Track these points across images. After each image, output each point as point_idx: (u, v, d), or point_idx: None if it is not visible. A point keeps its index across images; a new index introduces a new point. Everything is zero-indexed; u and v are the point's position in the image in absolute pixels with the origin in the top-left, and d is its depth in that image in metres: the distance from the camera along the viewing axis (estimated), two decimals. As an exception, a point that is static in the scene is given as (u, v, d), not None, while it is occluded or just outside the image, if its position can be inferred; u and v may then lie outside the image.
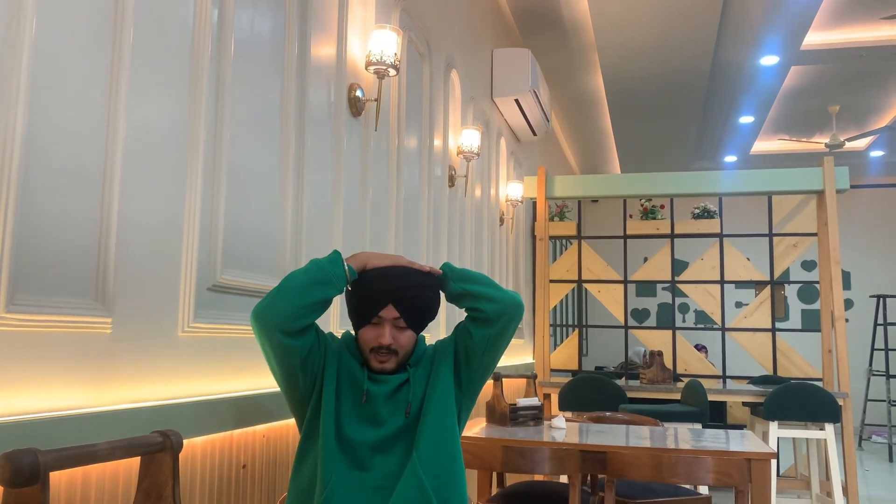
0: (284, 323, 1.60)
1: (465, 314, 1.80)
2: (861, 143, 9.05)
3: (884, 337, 8.70)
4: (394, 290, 1.69)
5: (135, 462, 1.40)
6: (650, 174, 5.28)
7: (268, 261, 2.14)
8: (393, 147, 3.11)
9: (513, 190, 5.27)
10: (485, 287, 1.75)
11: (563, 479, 2.95)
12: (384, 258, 1.74)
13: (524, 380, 4.52)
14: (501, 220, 5.14)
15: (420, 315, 1.73)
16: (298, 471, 1.69)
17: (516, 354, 5.18)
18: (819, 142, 8.18)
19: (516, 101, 5.01)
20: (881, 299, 8.81)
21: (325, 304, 1.66)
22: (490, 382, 3.27)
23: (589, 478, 3.16)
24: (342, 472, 1.62)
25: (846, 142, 7.74)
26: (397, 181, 3.12)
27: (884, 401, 8.88)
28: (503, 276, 5.17)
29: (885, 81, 7.08)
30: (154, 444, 1.34)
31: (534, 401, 3.19)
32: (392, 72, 2.75)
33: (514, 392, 4.86)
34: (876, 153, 9.33)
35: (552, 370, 5.63)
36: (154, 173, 1.67)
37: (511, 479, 3.33)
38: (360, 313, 1.73)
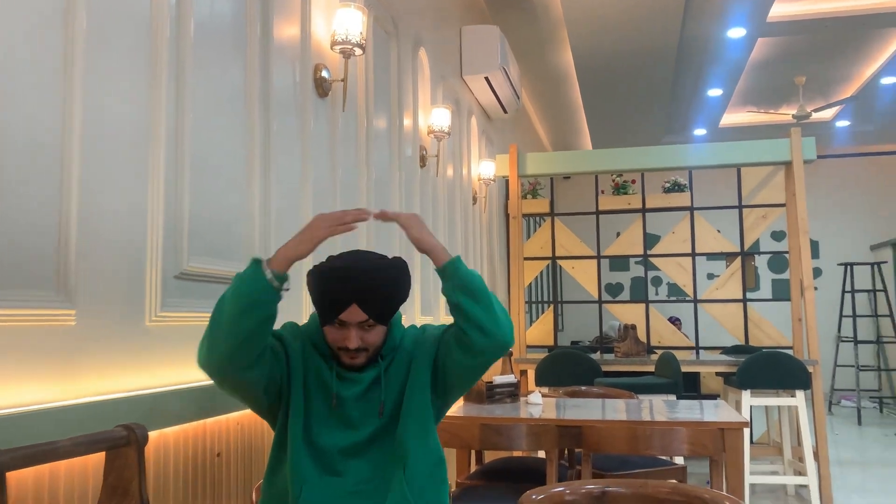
0: (233, 361, 1.48)
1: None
2: (828, 114, 9.14)
3: (851, 304, 8.87)
4: (356, 290, 1.54)
5: (103, 457, 1.37)
6: (621, 149, 5.29)
7: (236, 247, 2.11)
8: (362, 128, 3.07)
9: (485, 168, 5.26)
10: (481, 311, 1.58)
11: (541, 454, 2.98)
12: (304, 241, 1.53)
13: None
14: (474, 200, 5.13)
15: (387, 307, 1.60)
16: (272, 481, 1.62)
17: (492, 332, 5.19)
18: (786, 113, 8.25)
19: (486, 78, 4.97)
20: (848, 267, 8.97)
21: (267, 322, 1.51)
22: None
23: (566, 452, 3.19)
24: (314, 479, 1.55)
25: (813, 113, 7.82)
26: (367, 162, 3.09)
27: (852, 366, 9.07)
28: (477, 255, 5.16)
29: (850, 52, 7.14)
30: (118, 438, 1.32)
31: (510, 378, 3.21)
32: (358, 51, 2.71)
33: (491, 370, 4.88)
34: (842, 123, 9.44)
35: (528, 346, 5.66)
36: (114, 159, 1.63)
37: (490, 457, 3.35)
38: (322, 313, 1.60)
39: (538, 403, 3.05)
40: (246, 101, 2.19)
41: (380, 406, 1.62)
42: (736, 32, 6.48)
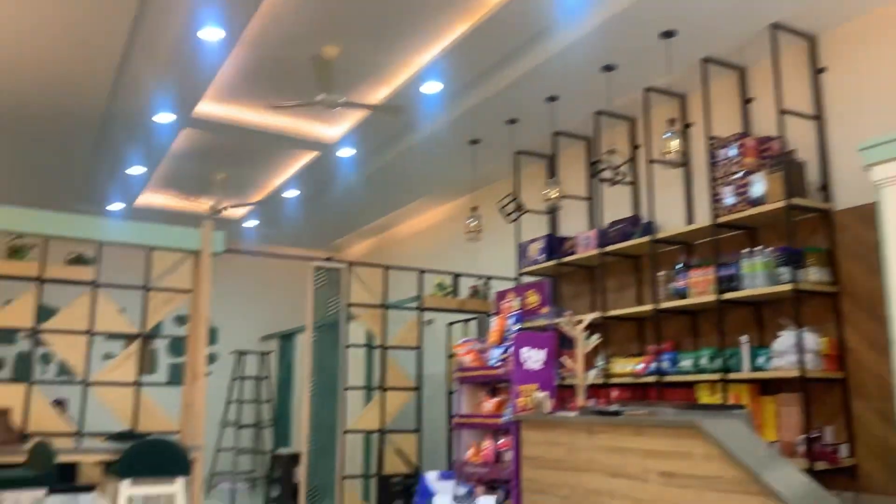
0: None
1: None
2: (239, 212, 9.94)
3: (240, 389, 9.54)
4: None
5: None
6: (25, 210, 4.76)
7: None
8: None
9: None
10: None
11: None
12: None
13: None
14: None
15: None
16: None
17: None
18: (204, 204, 8.67)
19: None
20: (241, 355, 9.67)
21: None
22: None
23: None
24: None
25: (228, 208, 8.40)
26: None
27: (233, 449, 9.66)
28: None
29: (265, 162, 7.98)
30: None
31: None
32: None
33: None
34: (250, 223, 10.38)
35: None
36: None
37: None
38: None
39: None
40: None
41: None
42: (163, 118, 6.61)
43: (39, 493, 3.83)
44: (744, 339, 4.66)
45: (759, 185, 4.63)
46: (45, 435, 5.07)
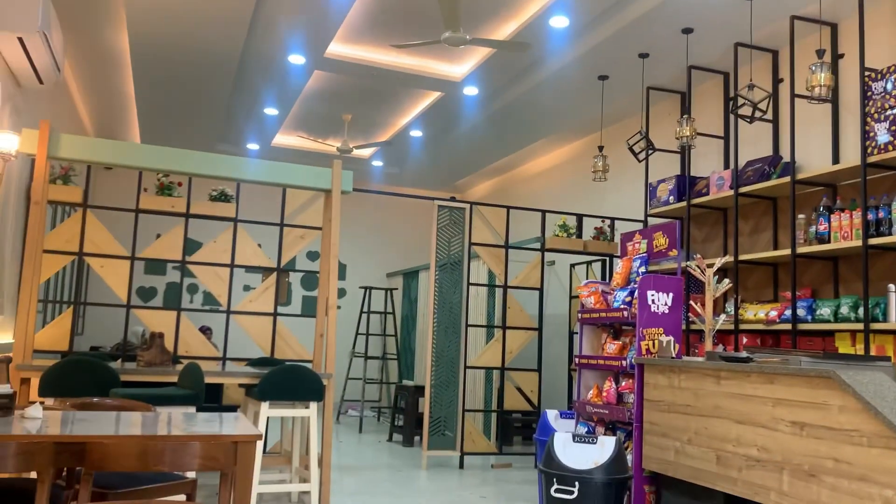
0: None
1: None
2: (366, 152, 10.18)
3: (367, 323, 9.94)
4: None
5: None
6: (172, 149, 5.08)
7: None
8: None
9: (5, 141, 4.53)
10: None
11: (35, 474, 2.63)
12: None
13: (-3, 362, 3.91)
14: (-14, 175, 4.37)
15: None
16: None
17: (-10, 333, 4.45)
18: (332, 144, 8.93)
19: (20, 39, 4.31)
20: (367, 290, 10.04)
21: None
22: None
23: (66, 472, 2.87)
24: None
25: (354, 149, 8.62)
26: None
27: (360, 379, 10.14)
28: (-18, 240, 4.39)
29: (390, 101, 8.09)
30: None
31: (3, 388, 2.77)
32: None
33: (-17, 376, 4.16)
34: (377, 163, 10.61)
35: (36, 351, 5.00)
36: None
37: (-35, 480, 2.83)
38: None
39: (38, 417, 2.70)
40: None
41: None
42: (296, 59, 6.81)
43: (190, 409, 4.19)
44: (892, 287, 4.34)
45: (918, 122, 4.24)
46: (193, 358, 5.52)
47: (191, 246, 5.70)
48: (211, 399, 5.58)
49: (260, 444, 4.46)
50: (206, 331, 8.36)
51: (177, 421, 2.95)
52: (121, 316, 5.87)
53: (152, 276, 10.13)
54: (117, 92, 8.03)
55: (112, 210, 5.69)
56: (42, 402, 3.26)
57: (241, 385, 5.46)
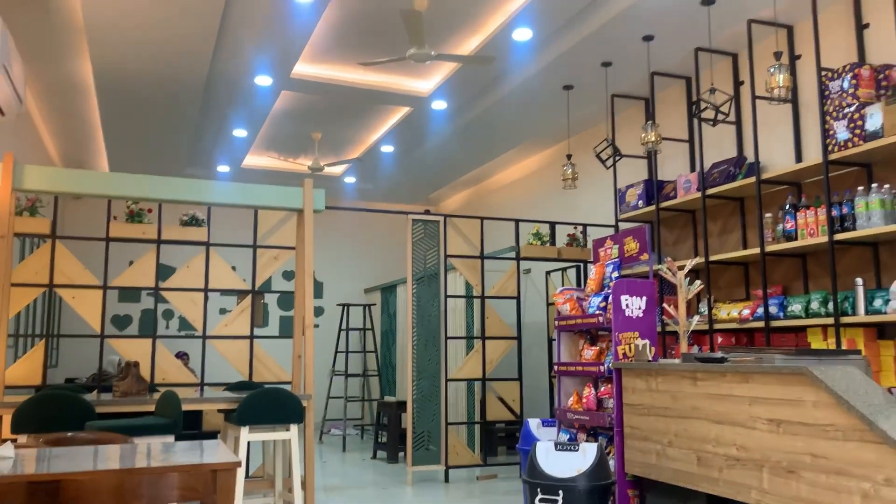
0: None
1: None
2: (338, 170, 10.17)
3: (346, 340, 9.90)
4: None
5: None
6: (140, 176, 5.05)
7: None
8: None
9: (-32, 176, 4.47)
10: None
11: (8, 515, 2.57)
12: None
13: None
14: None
15: None
16: None
17: (-40, 371, 4.37)
18: (303, 164, 8.92)
19: (-21, 73, 4.26)
20: (345, 307, 10.00)
21: None
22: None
23: (42, 509, 2.82)
24: None
25: (326, 167, 8.61)
26: None
27: (341, 397, 10.08)
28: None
29: (360, 118, 8.10)
30: None
31: (-25, 428, 2.72)
32: None
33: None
34: (349, 180, 10.60)
35: (7, 387, 4.92)
36: None
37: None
38: None
39: (9, 457, 2.65)
40: None
41: None
42: (262, 80, 6.80)
43: (168, 438, 4.14)
44: (859, 281, 4.43)
45: (875, 118, 4.34)
46: (170, 386, 5.46)
47: (164, 272, 5.66)
48: (191, 426, 5.52)
49: (241, 470, 4.41)
50: (182, 356, 8.28)
51: (154, 452, 2.91)
52: (96, 346, 5.80)
53: (127, 303, 10.02)
54: (83, 121, 7.96)
55: (82, 239, 5.63)
56: (14, 440, 3.21)
57: (219, 410, 5.41)
